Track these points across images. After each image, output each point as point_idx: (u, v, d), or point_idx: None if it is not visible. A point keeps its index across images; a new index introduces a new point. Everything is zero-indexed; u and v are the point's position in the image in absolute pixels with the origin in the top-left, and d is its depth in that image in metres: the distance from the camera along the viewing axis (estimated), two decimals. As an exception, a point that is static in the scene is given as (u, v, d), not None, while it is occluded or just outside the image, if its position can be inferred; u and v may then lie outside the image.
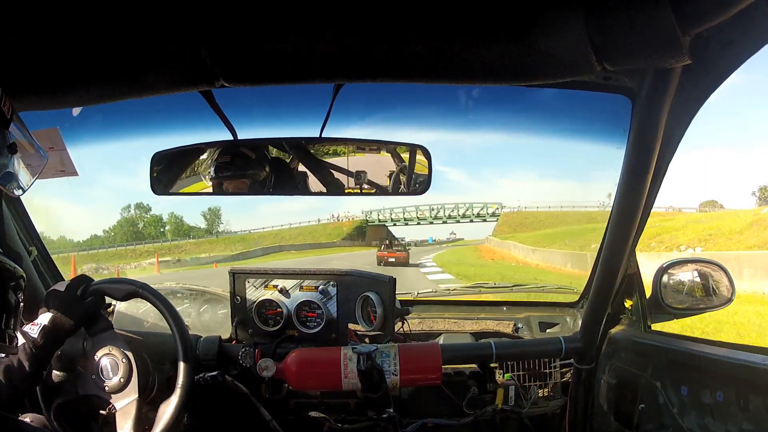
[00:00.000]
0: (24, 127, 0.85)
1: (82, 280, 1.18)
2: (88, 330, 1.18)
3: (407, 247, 25.20)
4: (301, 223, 51.71)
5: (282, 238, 45.07)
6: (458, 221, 47.37)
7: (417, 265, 19.90)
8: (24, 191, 0.90)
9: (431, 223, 47.19)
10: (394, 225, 48.39)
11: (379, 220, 48.58)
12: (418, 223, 47.60)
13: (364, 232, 47.84)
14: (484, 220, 46.76)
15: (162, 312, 1.18)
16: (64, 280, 1.54)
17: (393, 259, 20.58)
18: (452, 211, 46.40)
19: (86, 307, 1.16)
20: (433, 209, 45.50)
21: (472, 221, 47.26)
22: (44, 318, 1.10)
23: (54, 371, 1.19)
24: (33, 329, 1.07)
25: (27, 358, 1.05)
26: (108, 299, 1.26)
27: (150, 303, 1.19)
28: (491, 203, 48.23)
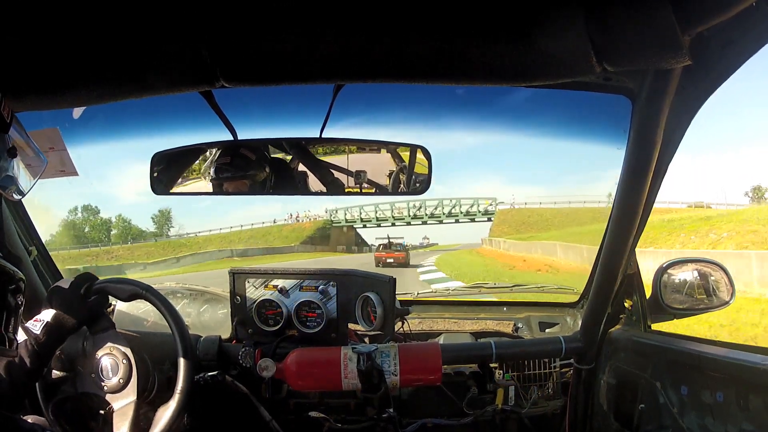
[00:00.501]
0: (23, 130, 0.85)
1: (87, 278, 1.18)
2: (91, 328, 1.18)
3: (407, 247, 23.91)
4: (254, 224, 42.89)
5: (230, 242, 38.62)
6: (442, 221, 38.82)
7: (416, 267, 18.94)
8: (23, 195, 0.90)
9: (408, 224, 38.95)
10: (364, 226, 39.93)
11: (347, 221, 40.07)
12: (393, 224, 38.58)
13: (327, 235, 39.79)
14: (473, 220, 38.45)
15: (165, 315, 1.18)
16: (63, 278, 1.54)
17: (391, 260, 19.99)
18: (435, 209, 37.60)
19: (90, 306, 1.16)
20: (412, 207, 37.28)
21: (458, 221, 38.62)
22: (47, 315, 1.09)
23: (53, 371, 1.20)
24: (36, 326, 1.07)
25: (28, 354, 1.05)
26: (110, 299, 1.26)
27: (153, 305, 1.19)
28: (483, 198, 38.95)
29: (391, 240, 23.54)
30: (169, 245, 37.25)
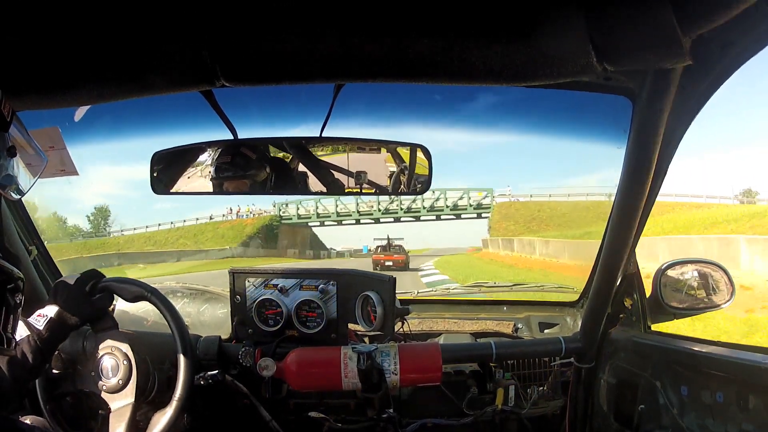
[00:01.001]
0: (24, 129, 0.85)
1: (93, 275, 1.17)
2: (93, 326, 1.18)
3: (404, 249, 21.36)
4: (186, 222, 34.11)
5: (155, 243, 31.73)
6: (419, 218, 30.31)
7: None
8: (23, 195, 0.90)
9: (377, 221, 30.10)
10: (322, 224, 31.82)
11: (300, 217, 31.17)
12: (358, 222, 30.78)
13: (275, 234, 31.43)
14: (459, 216, 29.91)
15: (167, 319, 1.18)
16: None
17: (390, 263, 18.66)
18: (413, 202, 28.67)
19: (94, 304, 1.15)
20: (383, 199, 28.02)
21: (439, 218, 30.06)
22: (50, 310, 1.09)
23: (53, 370, 1.20)
24: (38, 321, 1.07)
25: (31, 350, 1.04)
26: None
27: (157, 308, 1.19)
28: (476, 189, 29.79)
29: (390, 241, 21.58)
30: (83, 246, 30.02)
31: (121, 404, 1.16)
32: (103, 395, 1.17)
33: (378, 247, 21.66)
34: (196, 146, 1.27)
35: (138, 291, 1.18)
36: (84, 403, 1.21)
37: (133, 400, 1.16)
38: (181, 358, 1.15)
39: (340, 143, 1.27)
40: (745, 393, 1.04)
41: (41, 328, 1.06)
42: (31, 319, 1.07)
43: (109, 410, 1.16)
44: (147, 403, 1.22)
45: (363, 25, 0.80)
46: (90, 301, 1.15)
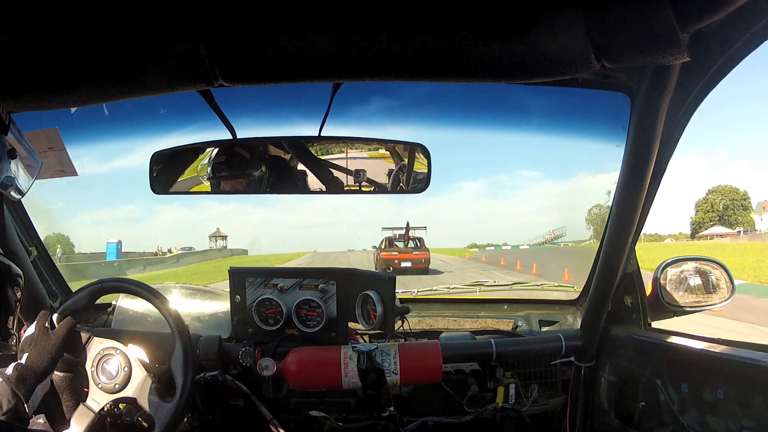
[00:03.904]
0: (18, 131, 0.86)
1: (45, 313, 1.18)
2: (72, 353, 1.18)
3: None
4: None
5: None
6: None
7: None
8: (23, 195, 0.90)
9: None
10: None
11: None
12: None
13: None
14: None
15: (139, 294, 1.19)
16: (64, 278, 1.54)
17: (408, 264, 13.28)
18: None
19: (60, 335, 1.15)
20: None
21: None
22: (23, 358, 1.10)
23: (56, 372, 1.20)
24: (10, 368, 1.07)
25: (5, 394, 1.03)
26: (105, 304, 1.26)
27: (119, 291, 1.21)
28: None
29: (408, 231, 14.71)
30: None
31: (135, 386, 1.17)
32: (117, 395, 1.18)
33: (386, 239, 15.27)
34: (195, 146, 1.27)
35: (89, 291, 1.19)
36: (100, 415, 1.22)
37: (146, 372, 1.17)
38: (181, 358, 1.15)
39: (339, 142, 1.27)
40: (745, 390, 1.04)
41: (9, 373, 1.05)
42: (6, 369, 1.06)
43: (125, 405, 1.18)
44: (150, 402, 1.22)
45: (361, 24, 0.80)
46: (56, 335, 1.14)
